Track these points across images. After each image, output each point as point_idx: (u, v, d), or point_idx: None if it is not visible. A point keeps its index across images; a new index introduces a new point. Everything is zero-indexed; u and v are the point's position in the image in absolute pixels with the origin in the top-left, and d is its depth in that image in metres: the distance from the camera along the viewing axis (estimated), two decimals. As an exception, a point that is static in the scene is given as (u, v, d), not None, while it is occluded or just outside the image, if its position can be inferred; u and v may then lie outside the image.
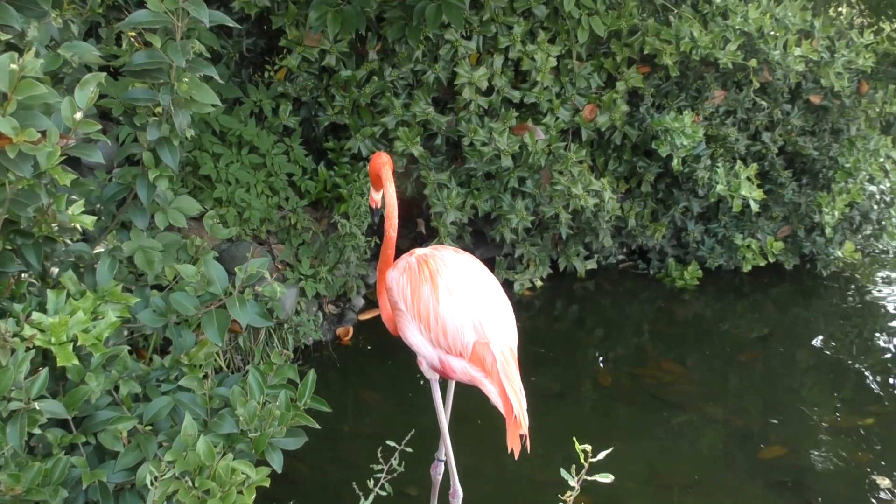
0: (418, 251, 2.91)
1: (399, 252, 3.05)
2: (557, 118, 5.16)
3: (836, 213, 5.50)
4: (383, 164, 3.05)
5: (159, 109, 2.92)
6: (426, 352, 2.82)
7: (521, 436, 2.56)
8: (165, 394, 2.84)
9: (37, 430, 2.39)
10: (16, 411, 2.34)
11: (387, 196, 3.04)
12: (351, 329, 4.94)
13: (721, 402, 4.50)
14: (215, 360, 4.15)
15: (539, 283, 5.57)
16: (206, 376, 2.97)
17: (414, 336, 2.84)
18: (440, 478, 3.27)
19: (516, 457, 2.56)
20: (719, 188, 5.17)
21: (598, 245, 5.73)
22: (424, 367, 2.92)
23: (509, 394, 2.57)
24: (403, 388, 4.43)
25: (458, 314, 2.68)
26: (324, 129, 5.25)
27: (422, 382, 4.32)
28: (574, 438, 2.29)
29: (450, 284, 2.73)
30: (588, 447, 2.23)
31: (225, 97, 4.83)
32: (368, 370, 4.68)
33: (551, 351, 4.98)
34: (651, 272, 6.00)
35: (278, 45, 5.04)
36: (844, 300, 5.92)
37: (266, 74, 5.08)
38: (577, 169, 5.15)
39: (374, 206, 3.19)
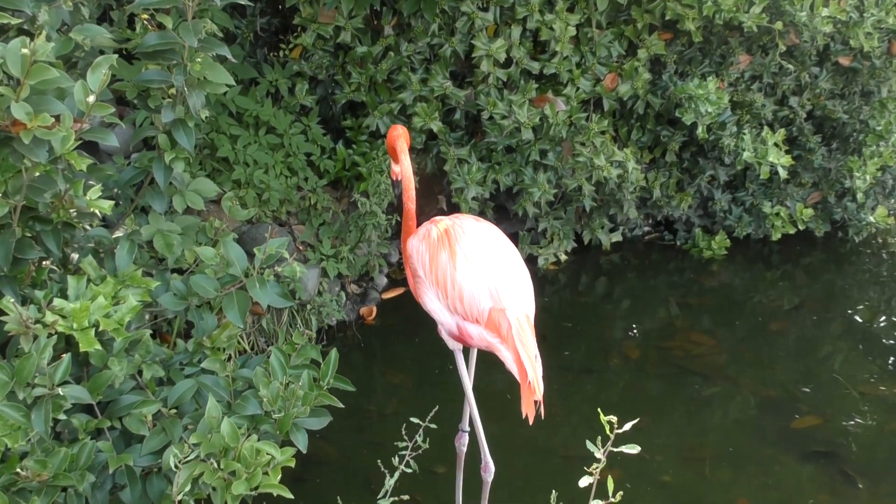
0: (438, 219, 2.93)
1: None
2: (578, 88, 5.10)
3: (868, 177, 5.41)
4: (398, 136, 3.08)
5: (173, 91, 2.92)
6: (444, 318, 2.85)
7: (536, 402, 2.60)
8: (189, 377, 2.87)
9: (62, 416, 2.42)
10: (41, 397, 2.37)
11: (402, 168, 3.07)
12: (374, 308, 4.95)
13: (752, 373, 4.48)
14: (238, 343, 4.17)
15: (563, 258, 5.54)
16: (229, 358, 3.00)
17: (432, 302, 2.87)
18: (465, 449, 3.29)
19: (530, 422, 2.60)
20: (746, 155, 5.11)
21: (622, 217, 5.68)
22: (444, 336, 2.96)
23: (524, 359, 2.60)
24: (429, 367, 4.44)
25: (474, 281, 2.71)
26: (341, 107, 5.23)
27: (448, 362, 4.33)
28: (599, 410, 2.28)
29: (467, 251, 2.75)
30: (614, 418, 2.22)
31: (240, 78, 4.83)
32: (393, 349, 4.70)
33: (578, 325, 4.96)
34: (678, 243, 5.95)
35: (292, 24, 5.01)
36: (878, 266, 5.85)
37: (281, 53, 5.06)
38: (600, 140, 5.10)
39: (394, 179, 3.21)
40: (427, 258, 2.84)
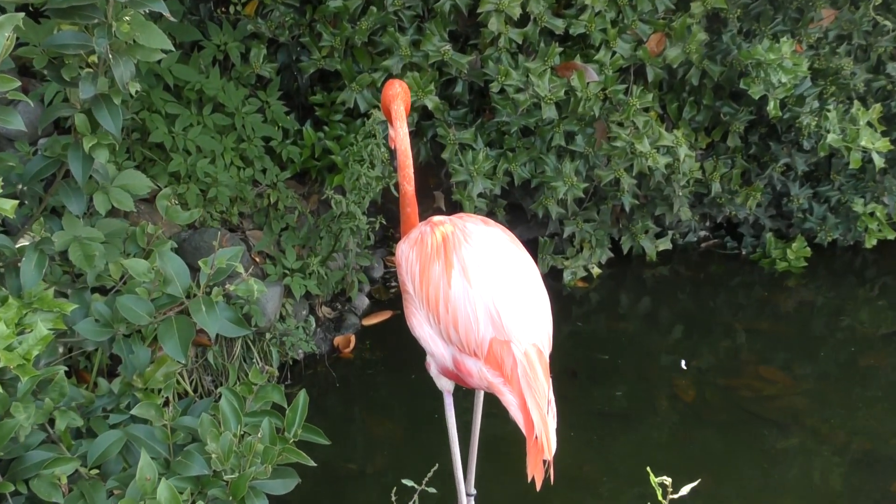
0: (437, 220, 2.95)
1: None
2: (614, 53, 5.12)
3: None
4: (394, 95, 3.13)
5: (94, 58, 2.93)
6: (436, 348, 2.86)
7: (545, 461, 2.59)
8: (115, 427, 2.86)
9: (-49, 478, 2.42)
10: (-76, 454, 2.38)
11: (397, 139, 3.12)
12: (353, 338, 4.96)
13: (840, 421, 4.48)
14: (178, 383, 4.17)
15: (596, 271, 5.55)
16: (166, 403, 2.99)
17: (422, 328, 2.89)
18: None
19: (538, 487, 2.59)
20: (831, 138, 5.12)
21: (672, 218, 5.70)
22: (433, 372, 2.97)
23: (530, 407, 2.60)
24: (423, 412, 4.44)
25: (472, 302, 2.71)
26: (308, 78, 5.25)
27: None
28: (648, 469, 2.29)
29: (467, 263, 2.75)
30: (667, 480, 2.23)
31: (179, 41, 4.84)
32: (377, 390, 4.69)
33: (616, 358, 4.97)
34: (743, 252, 5.95)
35: (246, -29, 5.05)
36: None
37: (231, 10, 5.08)
38: (643, 119, 5.12)
39: (391, 147, 3.26)
40: (417, 270, 2.85)
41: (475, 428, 3.32)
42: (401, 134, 3.11)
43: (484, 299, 2.70)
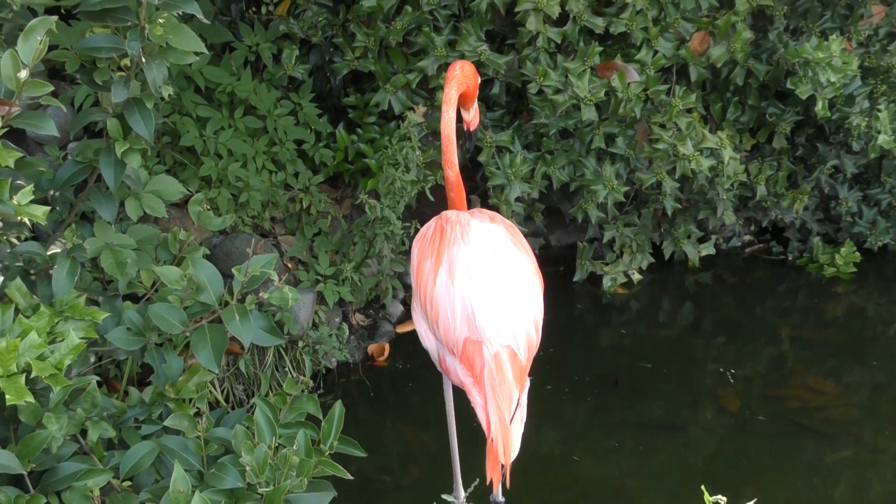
0: (446, 214, 3.07)
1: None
2: (656, 52, 5.10)
3: None
4: (449, 77, 3.19)
5: (126, 62, 2.95)
6: (428, 343, 3.02)
7: (502, 466, 2.69)
8: (147, 437, 2.88)
9: (-17, 490, 2.44)
10: (-45, 466, 2.39)
11: (441, 122, 3.16)
12: (387, 346, 4.96)
13: (893, 433, 4.44)
14: (210, 393, 4.19)
15: (637, 277, 5.53)
16: (199, 413, 3.00)
17: (418, 322, 3.05)
18: None
19: (494, 489, 2.75)
20: (882, 139, 5.08)
21: (715, 223, 5.66)
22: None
23: (490, 410, 2.69)
24: (461, 422, 4.43)
25: (451, 300, 2.82)
26: (342, 79, 5.26)
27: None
28: (703, 488, 2.27)
29: (455, 261, 2.86)
30: (722, 499, 2.21)
31: (210, 42, 4.87)
32: (412, 399, 4.69)
33: (658, 367, 4.94)
34: (790, 257, 5.91)
35: (278, -30, 5.07)
36: None
37: (263, 10, 5.10)
38: (686, 120, 5.09)
39: (465, 129, 3.52)
40: (416, 262, 2.99)
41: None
42: (445, 118, 3.14)
43: (463, 298, 2.80)
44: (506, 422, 2.67)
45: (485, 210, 3.11)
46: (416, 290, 3.00)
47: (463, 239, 2.90)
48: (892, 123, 5.11)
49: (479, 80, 3.39)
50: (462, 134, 3.54)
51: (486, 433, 2.71)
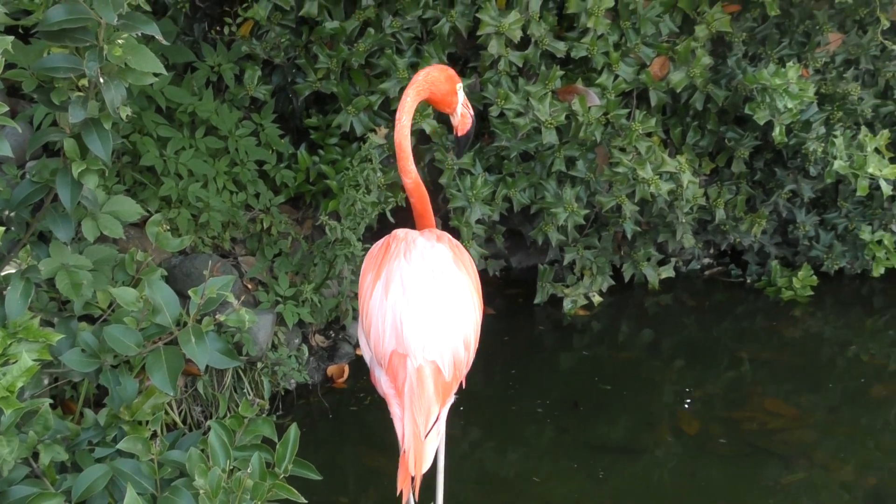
0: (397, 231, 3.12)
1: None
2: (617, 77, 5.14)
3: None
4: (411, 84, 3.19)
5: (85, 82, 2.93)
6: (366, 356, 3.10)
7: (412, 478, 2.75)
8: (101, 461, 2.85)
9: (-69, 515, 2.41)
10: None
11: (395, 130, 3.15)
12: (347, 367, 4.95)
13: (849, 454, 4.47)
14: (166, 415, 4.15)
15: (597, 299, 5.55)
16: (154, 436, 2.98)
17: (360, 336, 3.11)
18: None
19: (404, 500, 2.78)
20: (838, 165, 5.13)
21: (675, 246, 5.70)
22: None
23: (406, 422, 2.77)
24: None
25: (383, 313, 2.89)
26: (304, 100, 5.26)
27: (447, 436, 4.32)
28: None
29: (393, 275, 2.92)
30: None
31: (172, 62, 4.85)
32: (371, 421, 4.68)
33: (617, 389, 4.96)
34: (748, 280, 5.96)
35: (241, -9, 5.07)
36: None
37: (226, 30, 5.10)
38: (645, 144, 5.13)
39: (454, 135, 3.53)
40: (361, 277, 3.06)
41: (440, 451, 3.35)
42: (398, 125, 3.14)
43: (394, 311, 2.87)
44: (420, 435, 2.73)
45: (435, 230, 3.17)
46: (359, 304, 3.05)
47: (405, 255, 2.95)
48: (847, 149, 5.17)
49: (457, 83, 3.35)
50: (456, 141, 3.58)
51: (399, 444, 2.78)
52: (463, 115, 3.47)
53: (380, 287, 2.93)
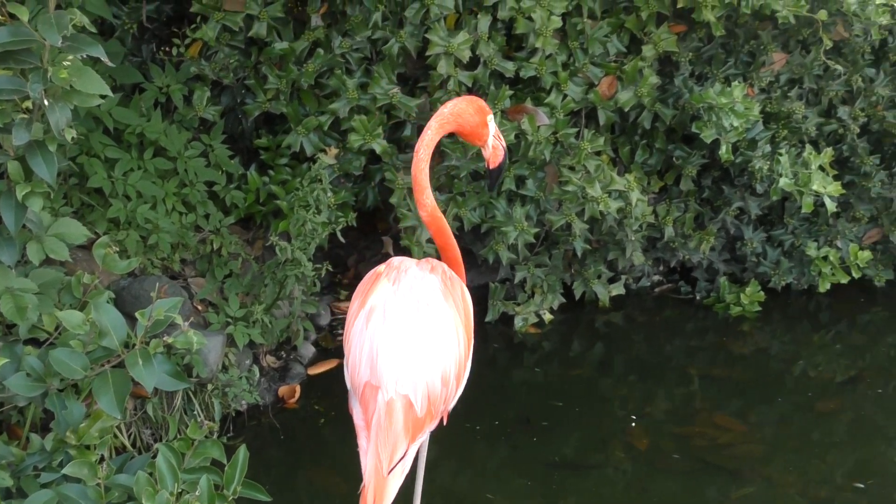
0: (393, 259, 3.08)
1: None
2: (565, 96, 5.18)
3: (940, 209, 5.55)
4: (435, 115, 3.19)
5: (29, 104, 2.92)
6: (347, 382, 3.01)
7: None
8: (46, 486, 2.83)
9: None
10: None
11: (413, 163, 3.13)
12: (298, 388, 4.93)
13: (797, 468, 4.51)
14: (114, 438, 4.12)
15: (548, 317, 5.57)
16: (101, 460, 2.97)
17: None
18: None
19: None
20: (783, 182, 5.19)
21: (625, 263, 5.74)
22: None
23: (368, 456, 2.72)
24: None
25: (361, 343, 2.84)
26: (254, 121, 5.25)
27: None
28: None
29: (377, 304, 2.88)
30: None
31: (119, 83, 4.83)
32: (324, 442, 4.66)
33: (569, 406, 4.97)
34: (697, 297, 6.01)
35: (189, 11, 5.05)
36: (957, 325, 5.97)
37: (174, 51, 5.08)
38: (594, 163, 5.17)
39: (486, 167, 3.46)
40: (350, 302, 3.02)
41: (418, 479, 3.34)
42: (416, 158, 3.11)
43: (372, 341, 2.82)
44: (382, 471, 2.67)
45: (432, 261, 3.11)
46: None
47: (393, 284, 2.91)
48: (792, 167, 5.23)
49: (488, 115, 3.30)
50: (488, 174, 3.56)
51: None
52: (495, 148, 3.39)
53: (363, 315, 2.88)
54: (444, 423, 3.10)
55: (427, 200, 3.13)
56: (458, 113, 3.18)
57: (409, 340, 2.81)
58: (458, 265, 3.26)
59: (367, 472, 2.70)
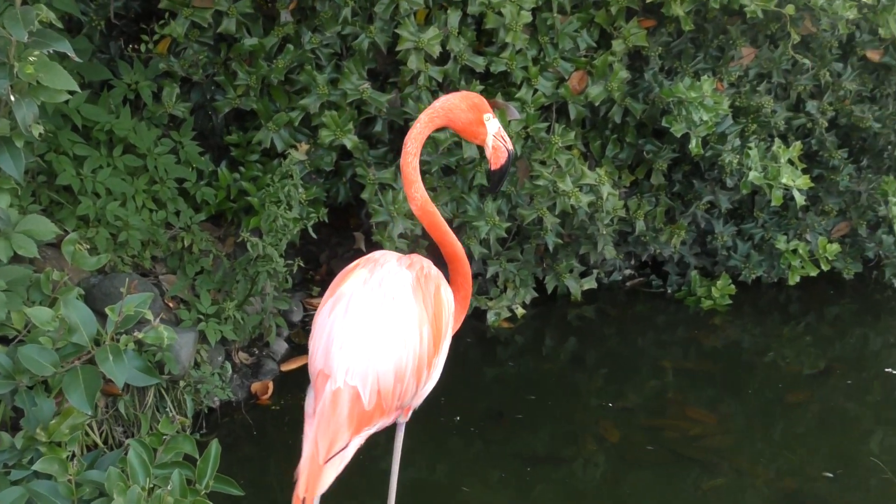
0: (375, 253, 3.09)
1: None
2: (536, 91, 5.20)
3: (907, 202, 5.61)
4: (426, 110, 3.13)
5: (-5, 100, 2.91)
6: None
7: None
8: (17, 483, 2.82)
9: None
10: None
11: (401, 157, 3.10)
12: (271, 384, 4.93)
13: (767, 460, 4.56)
14: (86, 435, 4.11)
15: (521, 311, 5.59)
16: (72, 457, 2.96)
17: None
18: None
19: None
20: (753, 176, 5.23)
21: (597, 257, 5.77)
22: None
23: (307, 444, 2.71)
24: (367, 464, 4.42)
25: (321, 332, 2.85)
26: (224, 117, 5.25)
27: (374, 450, 4.33)
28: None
29: (344, 294, 2.89)
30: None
31: (88, 80, 4.81)
32: (297, 438, 4.64)
33: (542, 399, 5.00)
34: (669, 290, 6.06)
35: (158, 8, 5.03)
36: (924, 316, 6.04)
37: (143, 48, 5.07)
38: (565, 157, 5.20)
39: (491, 167, 3.32)
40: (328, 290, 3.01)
41: (393, 474, 3.33)
42: (403, 151, 3.08)
43: (330, 330, 2.82)
44: (318, 459, 2.66)
45: (416, 256, 3.10)
46: None
47: (367, 277, 2.91)
48: (762, 161, 5.27)
49: (484, 113, 3.20)
50: (488, 175, 3.47)
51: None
52: (495, 148, 3.26)
53: (329, 304, 2.88)
54: (406, 419, 3.10)
55: (416, 194, 3.10)
56: (448, 108, 3.13)
57: (366, 332, 2.80)
58: (457, 260, 3.23)
59: (302, 458, 2.68)
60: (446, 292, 3.08)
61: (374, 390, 2.77)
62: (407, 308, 2.88)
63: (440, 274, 3.11)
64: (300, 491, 2.66)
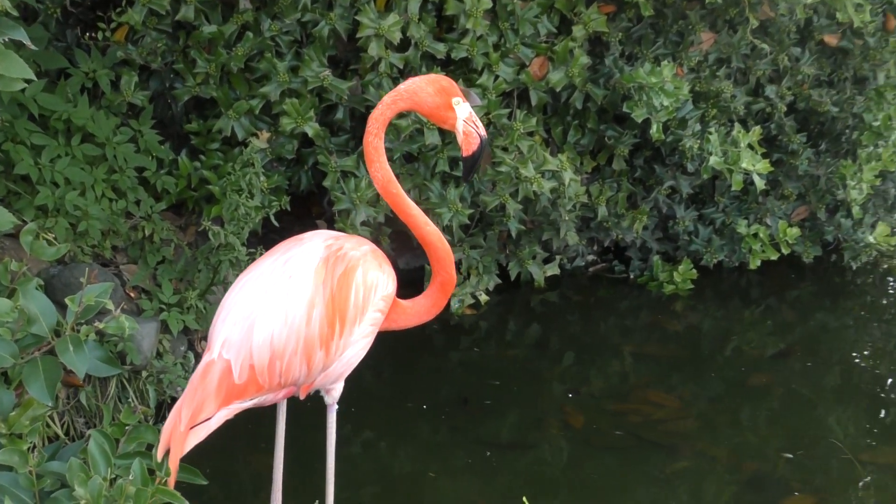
0: (323, 231, 3.09)
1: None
2: (497, 77, 5.22)
3: (865, 186, 5.67)
4: (389, 94, 3.05)
5: (-50, 89, 2.89)
6: None
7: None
8: (-23, 475, 2.81)
9: None
10: None
11: (364, 139, 3.05)
12: (234, 373, 4.91)
13: (730, 442, 4.61)
14: (47, 428, 4.09)
15: (484, 298, 5.61)
16: (32, 448, 2.94)
17: None
18: None
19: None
20: (713, 161, 5.28)
21: (559, 243, 5.80)
22: None
23: (173, 410, 2.68)
24: (310, 445, 4.42)
25: (221, 308, 2.85)
26: (183, 105, 5.22)
27: (341, 436, 4.33)
28: (525, 500, 2.33)
29: (251, 273, 2.89)
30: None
31: (44, 68, 4.76)
32: (261, 425, 4.64)
33: (506, 385, 5.03)
34: (631, 275, 6.11)
35: (115, -5, 5.00)
36: (881, 299, 6.11)
37: (100, 35, 5.02)
38: (527, 143, 5.22)
39: (462, 154, 3.22)
40: None
41: (329, 459, 3.30)
42: (366, 131, 3.02)
43: (224, 304, 2.84)
44: (178, 426, 2.65)
45: (355, 237, 3.05)
46: None
47: (281, 253, 2.91)
48: (722, 145, 5.32)
49: (453, 97, 3.08)
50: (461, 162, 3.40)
51: None
52: (466, 134, 3.14)
53: (238, 280, 2.90)
54: (332, 401, 3.09)
55: (378, 173, 3.04)
56: (413, 91, 3.04)
57: (249, 308, 2.79)
58: (428, 244, 3.19)
59: (167, 422, 2.67)
60: (366, 276, 2.95)
61: (247, 366, 2.74)
62: (300, 287, 2.82)
63: (370, 257, 3.00)
64: (159, 454, 2.68)
